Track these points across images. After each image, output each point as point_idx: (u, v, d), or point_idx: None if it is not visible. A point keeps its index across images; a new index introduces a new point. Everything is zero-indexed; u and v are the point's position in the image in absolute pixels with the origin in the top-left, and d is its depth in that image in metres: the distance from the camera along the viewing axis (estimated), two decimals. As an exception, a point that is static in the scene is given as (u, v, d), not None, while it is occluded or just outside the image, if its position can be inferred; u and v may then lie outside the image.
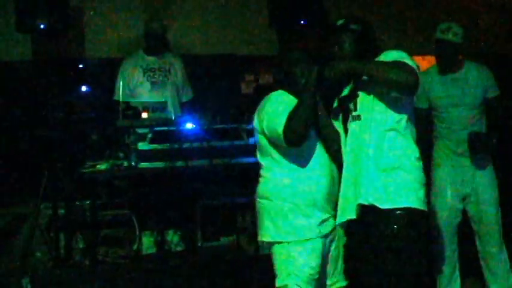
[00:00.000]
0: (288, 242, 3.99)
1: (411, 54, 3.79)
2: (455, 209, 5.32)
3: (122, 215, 6.05)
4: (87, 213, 5.98)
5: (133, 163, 5.82)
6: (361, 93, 3.87)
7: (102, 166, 5.89)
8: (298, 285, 3.95)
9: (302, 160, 4.01)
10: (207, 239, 6.16)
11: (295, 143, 3.87)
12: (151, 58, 6.87)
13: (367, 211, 3.78)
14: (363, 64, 3.74)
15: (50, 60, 7.30)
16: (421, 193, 3.80)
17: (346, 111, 3.97)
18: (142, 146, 5.82)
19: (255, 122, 4.11)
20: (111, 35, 7.71)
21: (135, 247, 6.01)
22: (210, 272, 5.73)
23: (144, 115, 5.96)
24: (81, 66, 7.72)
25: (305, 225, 3.97)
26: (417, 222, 3.75)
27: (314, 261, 3.96)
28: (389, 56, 3.75)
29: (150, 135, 5.84)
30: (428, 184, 5.22)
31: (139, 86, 6.80)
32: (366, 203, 3.78)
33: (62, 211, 5.94)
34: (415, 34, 8.03)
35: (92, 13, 7.67)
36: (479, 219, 5.31)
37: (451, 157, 5.30)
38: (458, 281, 5.37)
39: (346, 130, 3.96)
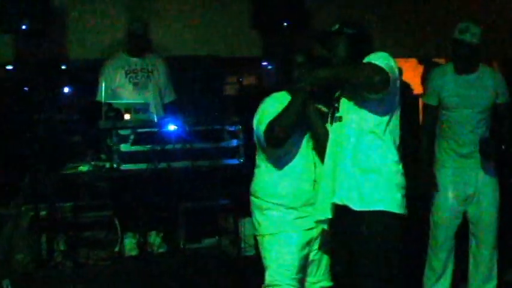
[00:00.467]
0: (264, 235, 4.11)
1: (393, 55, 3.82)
2: (456, 210, 5.32)
3: (103, 216, 6.03)
4: (68, 214, 5.96)
5: (115, 165, 5.81)
6: (343, 96, 3.90)
7: (84, 168, 5.88)
8: (272, 276, 4.05)
9: (286, 161, 4.06)
10: (190, 240, 6.15)
11: (273, 143, 3.94)
12: (133, 59, 6.86)
13: (341, 211, 3.81)
14: (336, 69, 3.81)
15: (32, 62, 7.27)
16: (398, 196, 3.78)
17: (333, 113, 4.00)
18: (124, 147, 5.81)
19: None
20: (93, 37, 7.67)
21: (117, 249, 5.99)
22: (192, 274, 5.72)
23: (127, 116, 5.95)
24: (63, 67, 7.69)
25: (280, 218, 4.06)
26: (391, 226, 3.75)
27: (288, 254, 4.03)
28: (368, 58, 3.78)
29: (132, 137, 5.83)
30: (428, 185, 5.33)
31: (121, 87, 6.77)
32: (340, 203, 3.80)
33: (43, 213, 5.91)
34: (399, 36, 8.07)
35: (74, 14, 7.64)
36: (477, 220, 5.31)
37: (454, 158, 5.29)
38: (447, 283, 5.39)
39: None
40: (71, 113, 6.98)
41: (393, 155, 3.82)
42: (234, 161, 6.08)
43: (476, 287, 5.36)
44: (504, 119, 5.39)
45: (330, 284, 4.17)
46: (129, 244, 6.09)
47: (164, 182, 6.00)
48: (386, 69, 3.66)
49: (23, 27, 6.84)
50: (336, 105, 3.93)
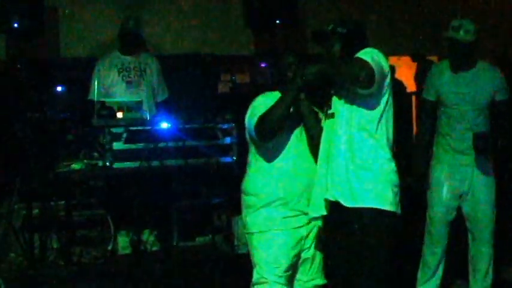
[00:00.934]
0: (252, 233, 4.11)
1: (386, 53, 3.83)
2: (451, 205, 5.31)
3: (96, 215, 6.04)
4: (61, 213, 5.95)
5: (108, 163, 5.80)
6: (335, 93, 3.90)
7: (77, 166, 5.87)
8: (259, 274, 4.05)
9: (278, 159, 4.06)
10: (183, 238, 6.16)
11: (263, 135, 3.94)
12: (126, 58, 6.83)
13: (333, 207, 3.81)
14: (324, 65, 3.80)
15: (25, 60, 7.25)
16: (390, 194, 3.77)
17: (326, 110, 4.01)
18: (117, 145, 5.80)
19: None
20: (86, 35, 7.68)
21: (110, 247, 5.99)
22: (185, 272, 5.72)
23: (119, 115, 5.94)
24: (56, 66, 7.68)
25: (269, 217, 4.05)
26: (383, 223, 3.75)
27: (275, 252, 4.03)
28: (357, 54, 3.78)
29: (125, 135, 5.82)
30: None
31: (114, 86, 6.75)
32: (332, 199, 3.80)
33: (36, 211, 5.90)
34: (392, 33, 8.09)
35: (66, 13, 7.63)
36: (474, 218, 5.29)
37: (451, 154, 5.26)
38: (439, 281, 5.39)
39: None
40: (64, 111, 6.95)
41: (385, 153, 3.81)
42: (227, 159, 6.08)
43: (473, 283, 5.37)
44: (503, 116, 5.36)
45: (323, 281, 4.17)
46: (123, 242, 6.09)
47: (157, 180, 6.00)
48: (372, 63, 3.66)
49: (15, 25, 6.83)
50: (329, 102, 3.94)
